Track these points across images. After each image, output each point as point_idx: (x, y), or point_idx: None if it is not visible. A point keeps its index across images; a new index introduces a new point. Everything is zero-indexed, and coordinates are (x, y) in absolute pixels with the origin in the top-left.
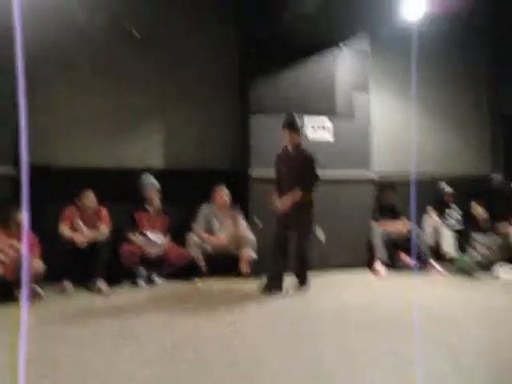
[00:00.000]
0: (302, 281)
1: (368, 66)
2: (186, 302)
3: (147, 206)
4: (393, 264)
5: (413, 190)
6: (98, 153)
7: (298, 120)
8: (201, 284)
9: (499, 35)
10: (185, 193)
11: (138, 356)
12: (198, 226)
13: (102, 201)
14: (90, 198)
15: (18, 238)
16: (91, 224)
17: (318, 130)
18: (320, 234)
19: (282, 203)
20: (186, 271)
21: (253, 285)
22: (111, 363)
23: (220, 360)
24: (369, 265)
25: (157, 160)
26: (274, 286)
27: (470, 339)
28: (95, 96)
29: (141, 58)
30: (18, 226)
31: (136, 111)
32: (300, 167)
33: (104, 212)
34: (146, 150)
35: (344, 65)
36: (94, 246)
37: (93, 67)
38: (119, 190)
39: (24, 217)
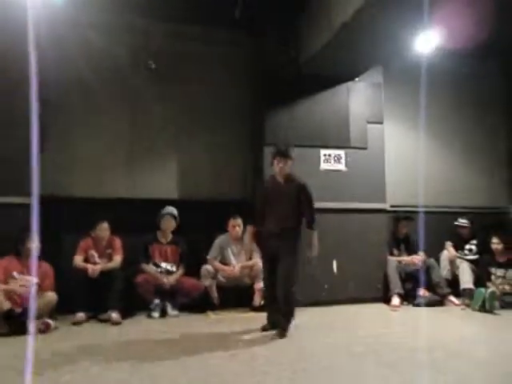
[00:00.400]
0: (283, 326)
1: (382, 98)
2: (199, 337)
3: (160, 237)
4: (409, 297)
5: (422, 222)
6: (113, 184)
7: (291, 149)
8: (214, 317)
9: None
10: (199, 224)
11: None
12: (212, 256)
13: (116, 231)
14: (103, 229)
15: (30, 267)
16: (105, 254)
17: (331, 159)
18: (334, 265)
19: (313, 250)
20: (199, 303)
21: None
22: None
23: None
24: (385, 298)
25: (171, 191)
26: (273, 325)
27: (485, 375)
28: (111, 127)
29: (157, 90)
30: (29, 255)
31: (151, 143)
32: (294, 198)
33: (117, 242)
34: (160, 181)
35: (358, 97)
36: (107, 276)
37: (110, 99)
38: (134, 220)
39: (33, 246)
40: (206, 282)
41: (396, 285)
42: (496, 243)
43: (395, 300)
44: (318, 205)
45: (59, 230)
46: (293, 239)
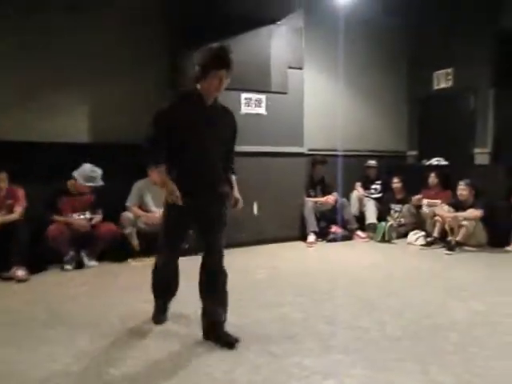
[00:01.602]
0: (229, 339)
1: (302, 43)
2: (121, 285)
3: (71, 188)
4: (324, 235)
5: (337, 165)
6: (11, 125)
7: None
8: (135, 264)
9: (420, 24)
10: (116, 169)
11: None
12: (132, 203)
13: (17, 179)
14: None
15: None
16: (4, 206)
17: (251, 103)
18: (254, 207)
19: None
20: (118, 251)
21: (190, 261)
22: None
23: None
24: (302, 236)
25: (82, 134)
26: (159, 318)
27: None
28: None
29: (60, 28)
30: None
31: (57, 82)
32: (223, 132)
33: (19, 192)
34: (68, 123)
35: (279, 41)
36: (8, 230)
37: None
38: (38, 167)
39: None
40: (127, 230)
41: (312, 224)
42: (396, 182)
43: (311, 237)
44: (239, 148)
45: None
46: (226, 198)
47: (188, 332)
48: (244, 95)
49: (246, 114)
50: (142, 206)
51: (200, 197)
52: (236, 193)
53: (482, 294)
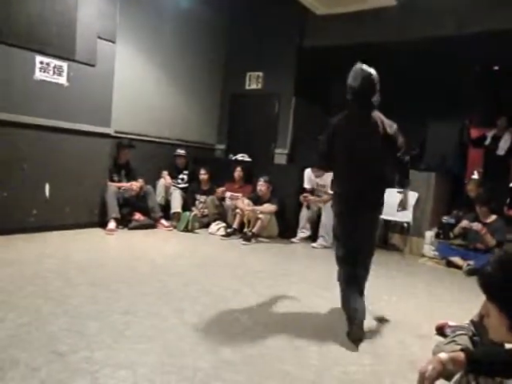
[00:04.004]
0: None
1: (117, 14)
2: None
3: None
4: (126, 222)
5: (143, 151)
6: None
7: None
8: None
9: (241, 24)
10: None
11: None
12: None
13: None
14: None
15: None
16: None
17: (49, 70)
18: (46, 189)
19: None
20: None
21: None
22: None
23: None
24: (102, 223)
25: None
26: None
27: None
28: None
29: None
30: None
31: None
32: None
33: None
34: None
35: (89, 6)
36: None
37: None
38: None
39: None
40: None
41: (113, 209)
42: (203, 174)
43: (111, 224)
44: (27, 119)
45: None
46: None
47: None
48: (40, 58)
49: (42, 81)
50: None
51: None
52: None
53: (269, 280)
